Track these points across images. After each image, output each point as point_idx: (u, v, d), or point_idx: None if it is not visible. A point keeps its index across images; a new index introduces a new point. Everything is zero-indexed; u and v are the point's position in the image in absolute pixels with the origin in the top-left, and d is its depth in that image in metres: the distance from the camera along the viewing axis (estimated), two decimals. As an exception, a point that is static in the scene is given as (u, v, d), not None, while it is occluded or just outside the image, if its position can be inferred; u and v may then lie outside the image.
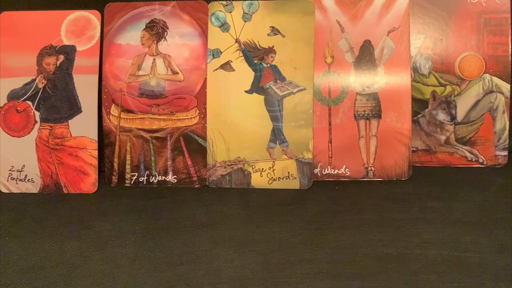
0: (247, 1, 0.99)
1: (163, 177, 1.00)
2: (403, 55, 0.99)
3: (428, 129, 1.04)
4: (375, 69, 0.99)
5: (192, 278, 0.70)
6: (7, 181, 1.00)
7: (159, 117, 1.00)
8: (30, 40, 1.00)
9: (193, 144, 1.00)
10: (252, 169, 0.98)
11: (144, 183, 1.01)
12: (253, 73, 0.99)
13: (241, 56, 0.99)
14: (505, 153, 1.03)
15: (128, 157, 1.01)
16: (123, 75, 1.01)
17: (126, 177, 1.01)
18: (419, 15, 1.03)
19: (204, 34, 1.00)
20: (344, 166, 1.00)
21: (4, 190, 1.00)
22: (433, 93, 1.04)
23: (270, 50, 0.99)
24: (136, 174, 1.01)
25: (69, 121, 0.99)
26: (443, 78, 1.03)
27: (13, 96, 1.00)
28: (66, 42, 1.00)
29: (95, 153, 0.99)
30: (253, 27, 0.99)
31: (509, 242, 0.75)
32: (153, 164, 1.00)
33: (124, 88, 1.01)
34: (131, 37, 1.01)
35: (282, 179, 0.98)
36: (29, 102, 1.00)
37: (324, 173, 1.00)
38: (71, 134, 0.99)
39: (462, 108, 1.03)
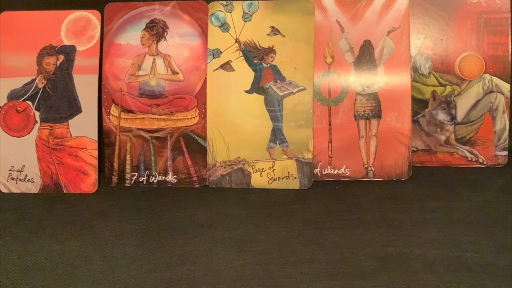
0: (247, 1, 0.99)
1: (163, 177, 1.00)
2: (403, 55, 0.99)
3: (428, 129, 1.04)
4: (375, 69, 0.99)
5: (192, 278, 0.70)
6: (7, 181, 1.00)
7: (159, 117, 1.00)
8: (30, 40, 1.00)
9: (193, 144, 1.00)
10: (252, 169, 0.98)
11: (144, 183, 1.01)
12: (253, 73, 0.99)
13: (241, 56, 0.99)
14: (505, 153, 1.03)
15: (128, 157, 1.01)
16: (123, 75, 1.01)
17: (126, 177, 1.01)
18: (419, 15, 1.03)
19: (204, 34, 1.00)
20: (344, 166, 1.00)
21: (4, 190, 1.00)
22: (433, 93, 1.04)
23: (270, 50, 0.99)
24: (136, 174, 1.01)
25: (69, 121, 0.99)
26: (443, 78, 1.03)
27: (13, 96, 1.00)
28: (66, 42, 1.00)
29: (95, 153, 0.99)
30: (253, 27, 0.99)
31: (509, 242, 0.75)
32: (153, 164, 1.00)
33: (124, 88, 1.01)
34: (131, 37, 1.01)
35: (282, 179, 0.98)
36: (29, 102, 1.00)
37: (324, 173, 1.00)
38: (71, 134, 0.99)
39: (462, 108, 1.03)
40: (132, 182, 1.01)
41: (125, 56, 1.01)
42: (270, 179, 0.98)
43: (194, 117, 1.00)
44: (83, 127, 0.99)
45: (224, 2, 1.00)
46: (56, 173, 0.99)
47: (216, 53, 0.99)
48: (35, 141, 0.99)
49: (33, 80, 1.00)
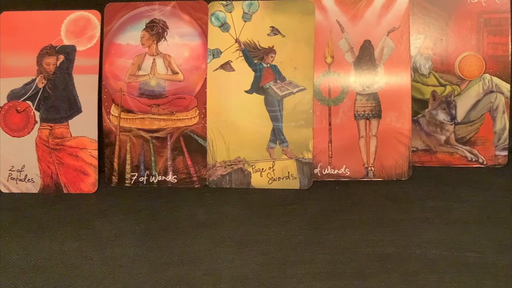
0: (247, 1, 0.99)
1: (163, 177, 1.00)
2: (403, 55, 0.99)
3: (428, 129, 1.04)
4: (375, 69, 0.99)
5: (192, 278, 0.70)
6: (7, 181, 1.00)
7: (159, 117, 1.00)
8: (30, 40, 1.00)
9: (193, 144, 1.00)
10: (252, 169, 0.98)
11: (144, 183, 1.01)
12: (253, 73, 0.99)
13: (241, 56, 0.99)
14: (505, 153, 1.03)
15: (128, 157, 1.01)
16: (123, 75, 1.01)
17: (126, 177, 1.01)
18: (419, 15, 1.03)
19: (204, 34, 1.00)
20: (344, 166, 1.00)
21: (4, 190, 1.00)
22: (433, 93, 1.04)
23: (270, 50, 0.99)
24: (136, 174, 1.01)
25: (69, 121, 0.99)
26: (443, 78, 1.03)
27: (13, 96, 1.00)
28: (66, 42, 1.00)
29: (95, 153, 0.99)
30: (253, 27, 0.99)
31: (509, 242, 0.75)
32: (153, 164, 1.00)
33: (124, 88, 1.01)
34: (131, 37, 1.01)
35: (282, 179, 0.98)
36: (29, 102, 1.00)
37: (324, 173, 1.00)
38: (71, 134, 0.99)
39: (462, 108, 1.03)
40: (132, 182, 1.01)
41: (125, 56, 1.01)
42: (270, 179, 0.98)
43: (194, 117, 1.00)
44: (83, 127, 0.99)
45: (224, 2, 1.00)
46: (56, 173, 0.99)
47: (216, 53, 0.99)
48: (35, 141, 0.99)
49: (33, 80, 1.00)
